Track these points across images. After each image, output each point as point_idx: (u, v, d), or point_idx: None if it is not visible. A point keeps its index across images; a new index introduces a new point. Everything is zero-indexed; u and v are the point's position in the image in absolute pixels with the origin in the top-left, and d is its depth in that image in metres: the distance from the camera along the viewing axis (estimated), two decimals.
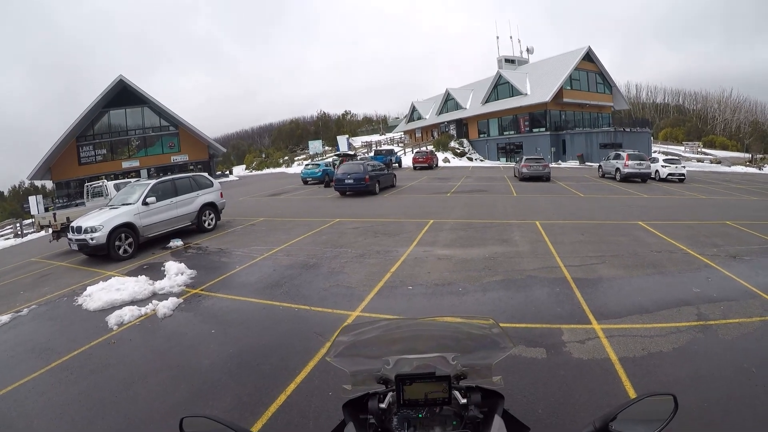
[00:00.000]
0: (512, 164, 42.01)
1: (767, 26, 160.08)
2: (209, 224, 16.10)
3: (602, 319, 6.71)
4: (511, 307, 7.38)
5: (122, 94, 53.22)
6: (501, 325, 2.22)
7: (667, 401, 1.53)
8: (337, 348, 2.05)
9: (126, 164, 54.23)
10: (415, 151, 53.34)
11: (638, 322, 6.60)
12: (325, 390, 5.03)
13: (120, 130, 55.10)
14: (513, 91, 56.24)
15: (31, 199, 37.42)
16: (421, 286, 8.60)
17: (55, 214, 16.53)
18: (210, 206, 16.23)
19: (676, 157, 33.84)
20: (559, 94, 51.17)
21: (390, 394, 1.78)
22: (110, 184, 24.31)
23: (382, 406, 1.75)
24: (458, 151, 58.57)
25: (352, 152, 54.13)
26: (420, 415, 1.73)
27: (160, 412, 4.87)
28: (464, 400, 1.73)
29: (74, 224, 13.00)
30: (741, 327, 6.33)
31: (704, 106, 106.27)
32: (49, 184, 58.88)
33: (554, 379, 5.08)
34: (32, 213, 32.52)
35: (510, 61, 65.31)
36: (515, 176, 32.45)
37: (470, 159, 57.47)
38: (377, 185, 25.02)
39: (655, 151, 48.06)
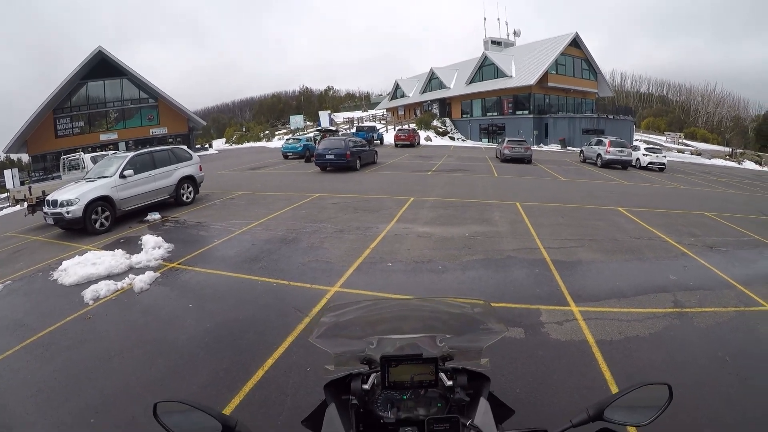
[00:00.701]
0: (494, 145, 42.01)
1: (756, 24, 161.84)
2: (188, 198, 15.81)
3: (580, 302, 6.74)
4: (490, 286, 7.38)
5: (101, 66, 51.76)
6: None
7: (661, 390, 1.53)
8: (321, 328, 1.99)
9: (104, 137, 52.95)
10: (397, 128, 53.21)
11: (616, 306, 6.64)
12: (304, 366, 4.97)
13: (98, 102, 53.67)
14: (498, 73, 56.07)
15: (7, 172, 36.53)
16: (401, 263, 8.55)
17: (30, 188, 16.13)
18: (188, 179, 15.92)
19: (658, 147, 34.17)
20: (544, 78, 51.16)
21: (374, 375, 1.75)
22: (87, 157, 23.74)
23: (366, 387, 1.71)
24: (441, 130, 58.46)
25: (333, 128, 53.82)
26: (404, 397, 1.70)
27: (136, 388, 4.77)
28: (450, 382, 1.70)
29: (50, 198, 12.63)
30: (716, 316, 6.40)
31: (688, 98, 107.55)
32: (25, 158, 57.40)
33: (532, 359, 5.08)
34: (7, 187, 31.79)
35: (496, 42, 64.97)
36: (497, 157, 32.47)
37: (452, 138, 57.42)
38: (358, 161, 24.87)
39: (636, 140, 48.59)
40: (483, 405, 1.64)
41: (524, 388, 4.47)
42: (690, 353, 5.30)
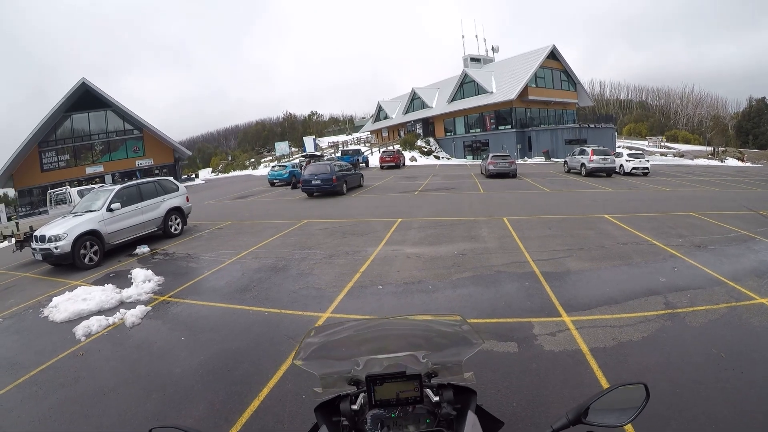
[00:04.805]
0: (479, 162, 42.29)
1: (725, 24, 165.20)
2: (176, 229, 15.77)
3: (572, 312, 6.74)
4: (481, 303, 7.36)
5: (85, 98, 52.01)
6: (471, 321, 2.18)
7: (638, 390, 1.54)
8: (306, 351, 1.99)
9: (90, 170, 53.11)
10: (382, 150, 53.54)
11: (607, 313, 6.65)
12: (299, 393, 4.93)
13: (83, 134, 53.89)
14: (479, 90, 56.66)
15: None
16: (391, 285, 8.53)
17: (17, 224, 16.09)
18: (176, 211, 15.90)
19: (640, 152, 34.51)
20: (524, 92, 51.75)
21: (362, 395, 1.75)
22: (74, 190, 23.73)
23: (354, 407, 1.72)
24: (425, 150, 58.82)
25: (318, 153, 54.03)
26: (393, 415, 1.71)
27: (132, 424, 4.69)
28: (437, 398, 1.72)
29: (37, 233, 12.55)
30: (708, 314, 6.44)
31: (667, 101, 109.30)
32: (11, 193, 57.21)
33: (527, 373, 5.05)
34: None
35: (476, 59, 65.79)
36: (482, 173, 32.71)
37: (437, 157, 57.76)
38: (345, 185, 24.99)
39: (619, 146, 48.93)
40: (471, 418, 1.65)
41: (520, 402, 4.44)
42: (685, 353, 5.32)
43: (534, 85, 53.27)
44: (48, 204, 25.28)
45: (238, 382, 5.37)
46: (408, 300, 7.74)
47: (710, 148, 60.19)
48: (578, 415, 1.49)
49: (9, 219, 30.40)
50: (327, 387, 1.85)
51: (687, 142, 77.90)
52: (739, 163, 47.10)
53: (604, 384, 4.70)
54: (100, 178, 49.14)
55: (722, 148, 60.04)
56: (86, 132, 54.03)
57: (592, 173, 29.30)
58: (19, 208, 45.20)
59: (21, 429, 4.84)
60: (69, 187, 26.75)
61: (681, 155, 53.74)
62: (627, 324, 6.21)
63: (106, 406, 5.13)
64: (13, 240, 15.61)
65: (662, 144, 66.42)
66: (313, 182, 24.02)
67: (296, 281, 9.25)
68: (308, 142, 69.10)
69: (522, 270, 8.94)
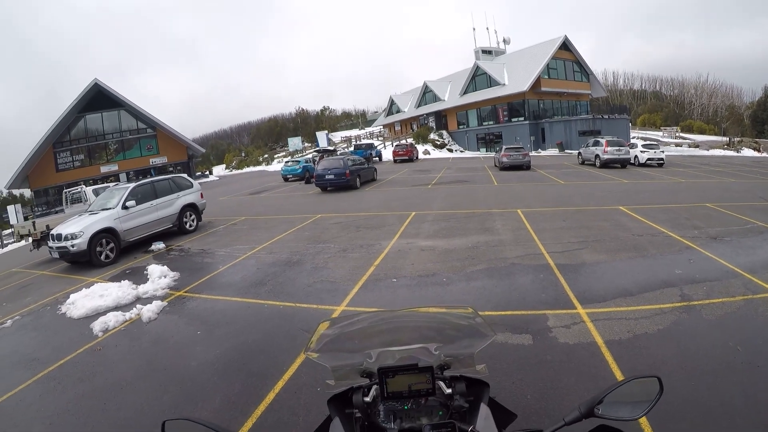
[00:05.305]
0: (492, 154, 42.13)
1: (741, 11, 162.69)
2: (190, 225, 15.92)
3: (587, 304, 6.72)
4: (495, 295, 7.35)
5: (98, 98, 52.37)
6: (485, 313, 2.19)
7: (652, 383, 1.52)
8: (318, 344, 2.01)
9: (104, 169, 53.52)
10: (395, 144, 53.41)
11: (622, 305, 6.61)
12: (314, 386, 4.97)
13: (97, 134, 54.29)
14: (491, 82, 56.38)
15: (10, 208, 36.69)
16: (405, 278, 8.55)
17: (34, 223, 16.26)
18: (191, 207, 16.05)
19: (655, 143, 34.16)
20: (536, 84, 51.42)
21: (374, 387, 1.77)
22: (89, 189, 23.86)
23: (367, 399, 1.73)
24: (438, 143, 58.64)
25: (331, 147, 54.00)
26: (406, 407, 1.71)
27: (150, 417, 4.77)
28: (449, 390, 1.72)
29: (54, 232, 12.74)
30: (724, 306, 6.38)
31: (681, 91, 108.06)
32: (27, 193, 57.80)
33: (542, 365, 5.06)
34: (11, 223, 31.94)
35: (487, 51, 65.34)
36: (495, 166, 32.54)
37: (450, 150, 57.56)
38: (358, 179, 24.99)
39: (633, 137, 48.47)
40: (484, 410, 1.66)
41: (534, 395, 4.44)
42: (700, 346, 5.28)
43: (546, 77, 52.89)
44: (64, 203, 25.48)
45: (253, 375, 5.43)
46: (422, 293, 7.76)
47: (726, 139, 59.40)
48: (591, 407, 1.49)
49: (26, 219, 30.61)
50: (339, 379, 1.87)
51: (702, 132, 77.06)
52: (755, 154, 46.45)
53: (619, 376, 4.69)
54: (114, 177, 49.48)
55: (738, 138, 59.16)
56: (100, 132, 54.43)
57: (607, 164, 29.04)
58: (36, 208, 45.54)
59: (41, 424, 4.94)
60: (84, 186, 26.97)
61: (696, 146, 53.14)
62: (642, 316, 6.18)
63: (124, 400, 5.22)
64: (30, 239, 15.78)
65: (677, 134, 65.80)
66: (326, 177, 24.07)
67: (311, 275, 9.30)
68: (321, 137, 69.08)
69: (536, 262, 8.92)
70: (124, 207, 13.39)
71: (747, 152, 47.38)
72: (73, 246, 12.03)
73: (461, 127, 61.57)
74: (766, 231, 10.53)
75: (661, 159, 29.92)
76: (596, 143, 30.66)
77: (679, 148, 51.94)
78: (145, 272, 10.41)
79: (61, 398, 5.44)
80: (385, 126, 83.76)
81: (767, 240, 9.79)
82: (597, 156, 29.72)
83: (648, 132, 71.09)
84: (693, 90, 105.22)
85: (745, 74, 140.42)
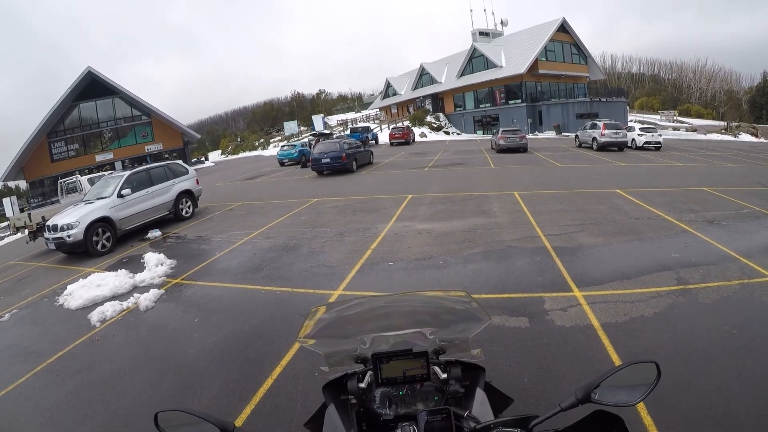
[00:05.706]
0: (489, 137, 41.98)
1: None
2: (187, 212, 15.85)
3: (583, 287, 6.73)
4: (492, 278, 7.35)
5: (91, 86, 51.74)
6: (483, 296, 2.17)
7: (649, 368, 1.50)
8: (309, 330, 1.99)
9: (100, 157, 53.06)
10: (391, 127, 53.28)
11: (619, 288, 6.62)
12: (311, 371, 4.95)
13: (91, 123, 53.69)
14: (488, 64, 56.09)
15: (5, 200, 36.69)
16: (402, 262, 8.55)
17: (30, 214, 16.16)
18: (187, 194, 15.95)
19: (652, 126, 34.08)
20: (534, 66, 51.18)
21: (369, 373, 1.75)
22: (84, 179, 23.69)
23: (362, 385, 1.72)
24: (435, 126, 58.52)
25: (327, 131, 53.81)
26: (401, 393, 1.70)
27: (148, 406, 4.75)
28: (444, 375, 1.72)
29: (50, 223, 12.64)
30: (720, 290, 6.38)
31: (679, 75, 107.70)
32: (23, 184, 57.56)
33: (538, 348, 5.07)
34: (7, 215, 31.82)
35: (484, 34, 64.87)
36: (492, 148, 32.48)
37: (447, 133, 57.46)
38: (354, 163, 24.91)
39: (631, 120, 48.52)
40: (479, 395, 1.65)
41: (531, 378, 4.45)
42: (696, 329, 5.29)
43: (544, 59, 52.65)
44: (59, 193, 25.30)
45: (251, 362, 5.44)
46: (419, 276, 7.76)
47: (723, 123, 59.38)
48: (588, 393, 1.47)
49: (21, 210, 30.59)
50: (334, 366, 1.86)
51: (700, 116, 76.84)
52: (753, 139, 46.35)
53: (616, 360, 4.71)
54: (110, 165, 49.17)
55: (736, 123, 59.13)
56: (94, 120, 53.87)
57: (604, 147, 29.00)
58: (31, 200, 45.41)
59: (40, 416, 4.94)
60: (79, 175, 26.80)
61: (694, 130, 53.05)
62: (639, 299, 6.19)
63: (123, 389, 5.22)
64: (26, 231, 15.72)
65: (675, 118, 65.69)
66: (322, 161, 23.99)
67: (307, 260, 9.29)
68: (317, 120, 68.78)
69: (533, 245, 8.92)
70: (120, 195, 13.27)
71: (745, 137, 47.28)
72: (69, 236, 11.94)
73: (458, 109, 61.39)
74: (762, 216, 10.53)
75: (659, 143, 29.89)
76: (594, 126, 30.54)
77: (676, 132, 51.86)
78: (141, 260, 10.36)
79: (60, 390, 5.43)
80: (381, 109, 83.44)
81: (764, 225, 9.79)
82: (594, 139, 29.65)
83: (645, 115, 70.95)
84: (691, 74, 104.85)
85: (745, 59, 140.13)
